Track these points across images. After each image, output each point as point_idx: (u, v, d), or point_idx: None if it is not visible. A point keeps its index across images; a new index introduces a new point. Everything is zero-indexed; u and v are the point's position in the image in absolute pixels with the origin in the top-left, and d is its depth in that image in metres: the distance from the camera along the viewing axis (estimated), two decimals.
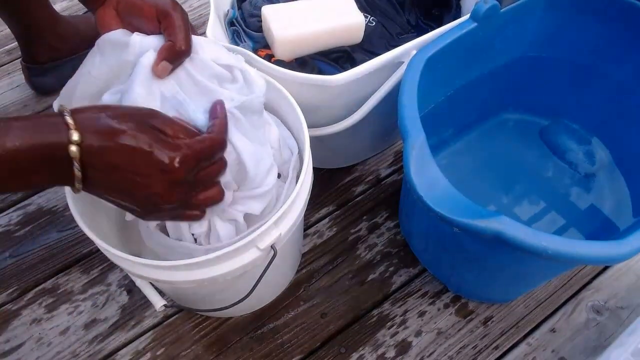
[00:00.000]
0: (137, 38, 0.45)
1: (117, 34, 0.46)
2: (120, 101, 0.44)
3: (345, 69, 0.63)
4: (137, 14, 0.45)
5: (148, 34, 0.46)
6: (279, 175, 0.55)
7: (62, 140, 0.34)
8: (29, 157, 0.33)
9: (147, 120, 0.38)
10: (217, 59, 0.48)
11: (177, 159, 0.38)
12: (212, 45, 0.49)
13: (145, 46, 0.45)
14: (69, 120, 0.35)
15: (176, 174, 0.38)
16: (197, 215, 0.45)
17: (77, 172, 0.35)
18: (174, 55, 0.44)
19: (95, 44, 0.46)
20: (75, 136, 0.34)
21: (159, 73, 0.44)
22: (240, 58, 0.51)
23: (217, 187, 0.45)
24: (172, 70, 0.45)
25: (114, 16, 0.46)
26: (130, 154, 0.37)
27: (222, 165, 0.44)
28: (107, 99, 0.45)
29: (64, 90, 0.49)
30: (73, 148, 0.34)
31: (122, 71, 0.46)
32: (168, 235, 0.53)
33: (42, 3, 0.85)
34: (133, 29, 0.46)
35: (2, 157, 0.32)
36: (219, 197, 0.45)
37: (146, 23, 0.46)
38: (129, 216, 0.52)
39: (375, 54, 0.63)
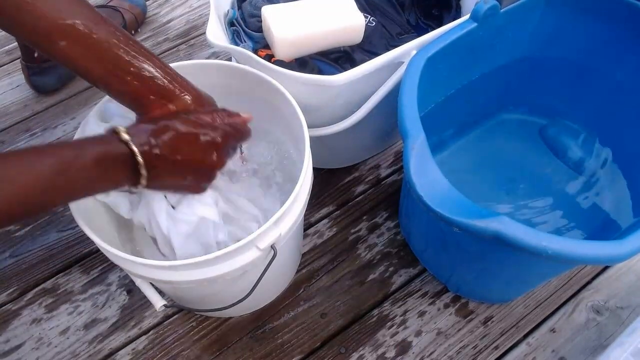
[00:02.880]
0: None
1: None
2: None
3: (345, 69, 0.63)
4: None
5: None
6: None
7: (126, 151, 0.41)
8: (109, 160, 0.40)
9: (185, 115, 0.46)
10: None
11: (219, 135, 0.47)
12: None
13: None
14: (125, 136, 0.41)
15: (221, 145, 0.47)
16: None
17: (144, 172, 0.42)
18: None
19: None
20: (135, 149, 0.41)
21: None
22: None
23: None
24: None
25: None
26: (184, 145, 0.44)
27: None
28: None
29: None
30: (139, 158, 0.41)
31: None
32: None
33: None
34: None
35: (88, 162, 0.39)
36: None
37: None
38: (123, 211, 0.54)
39: (375, 54, 0.63)
